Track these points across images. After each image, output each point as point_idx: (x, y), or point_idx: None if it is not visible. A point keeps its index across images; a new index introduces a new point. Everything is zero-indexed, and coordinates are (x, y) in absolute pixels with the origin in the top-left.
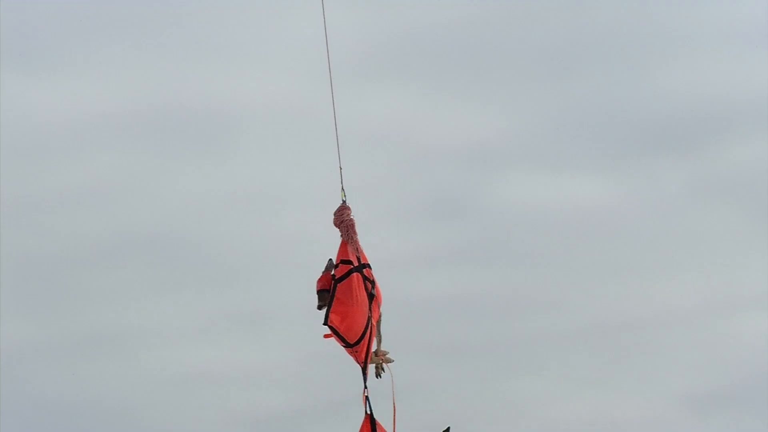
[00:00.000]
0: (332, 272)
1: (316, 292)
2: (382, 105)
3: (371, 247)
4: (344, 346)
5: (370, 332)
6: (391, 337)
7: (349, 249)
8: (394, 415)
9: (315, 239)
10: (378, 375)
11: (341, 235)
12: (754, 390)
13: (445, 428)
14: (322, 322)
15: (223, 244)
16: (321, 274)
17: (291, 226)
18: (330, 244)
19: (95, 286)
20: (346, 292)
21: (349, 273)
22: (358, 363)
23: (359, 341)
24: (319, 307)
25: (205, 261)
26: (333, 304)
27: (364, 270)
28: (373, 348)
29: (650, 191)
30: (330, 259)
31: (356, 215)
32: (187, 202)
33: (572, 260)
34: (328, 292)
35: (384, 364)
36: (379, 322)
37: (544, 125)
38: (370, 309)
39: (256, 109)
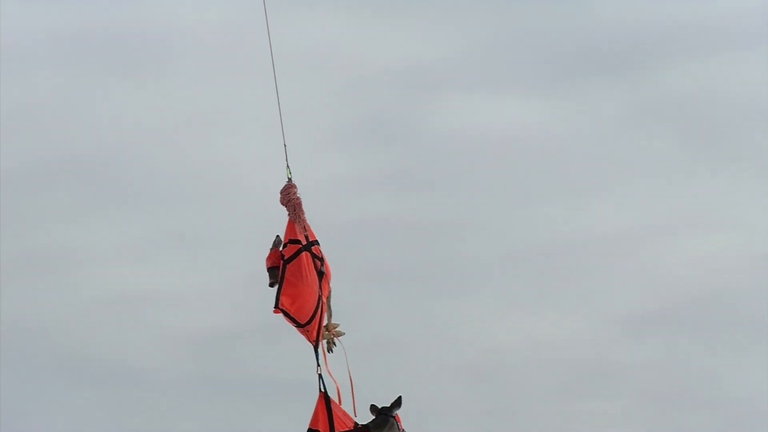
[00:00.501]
0: (280, 248)
1: (266, 269)
2: (318, 28)
3: (309, 169)
4: (295, 326)
5: (321, 310)
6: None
7: (297, 228)
8: (352, 388)
9: (251, 162)
10: (330, 350)
11: (288, 215)
12: (687, 311)
13: (396, 398)
14: (273, 306)
15: (161, 166)
16: (269, 251)
17: (228, 149)
18: (266, 169)
19: (30, 207)
20: (295, 273)
21: (298, 253)
22: (310, 342)
23: (310, 321)
24: (271, 285)
25: (141, 183)
26: (283, 286)
27: (312, 248)
28: (324, 323)
29: (586, 114)
30: (278, 236)
31: (294, 137)
32: (124, 123)
33: (508, 183)
34: (277, 269)
35: (335, 338)
36: (329, 297)
37: (483, 49)
38: (320, 287)
39: (192, 32)
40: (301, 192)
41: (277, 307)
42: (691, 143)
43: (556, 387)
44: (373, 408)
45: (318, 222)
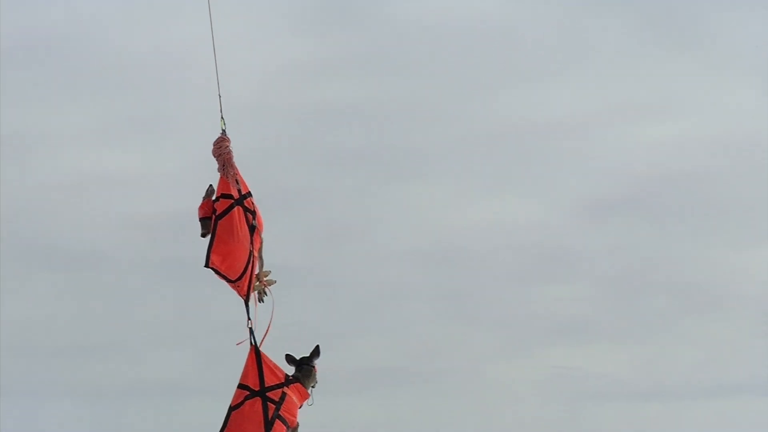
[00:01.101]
0: (213, 198)
1: (198, 219)
2: None
3: (266, 52)
4: (226, 282)
5: (252, 266)
6: (285, 144)
7: (230, 181)
8: (266, 332)
9: (211, 47)
10: (261, 300)
11: (218, 168)
12: (645, 196)
13: (314, 348)
14: (204, 264)
15: (122, 49)
16: (202, 201)
17: (191, 33)
18: (228, 54)
19: None
20: (227, 230)
21: (230, 208)
22: (241, 296)
23: (241, 276)
24: (203, 235)
25: (101, 66)
26: (214, 243)
27: (245, 201)
28: (256, 272)
29: (542, 1)
30: (210, 185)
31: (251, 18)
32: (84, 5)
33: (469, 69)
34: (209, 220)
35: (266, 287)
36: (260, 249)
37: None
38: (251, 242)
39: None
40: (265, 77)
41: (207, 266)
42: (648, 30)
43: (515, 271)
44: (290, 358)
45: (280, 106)
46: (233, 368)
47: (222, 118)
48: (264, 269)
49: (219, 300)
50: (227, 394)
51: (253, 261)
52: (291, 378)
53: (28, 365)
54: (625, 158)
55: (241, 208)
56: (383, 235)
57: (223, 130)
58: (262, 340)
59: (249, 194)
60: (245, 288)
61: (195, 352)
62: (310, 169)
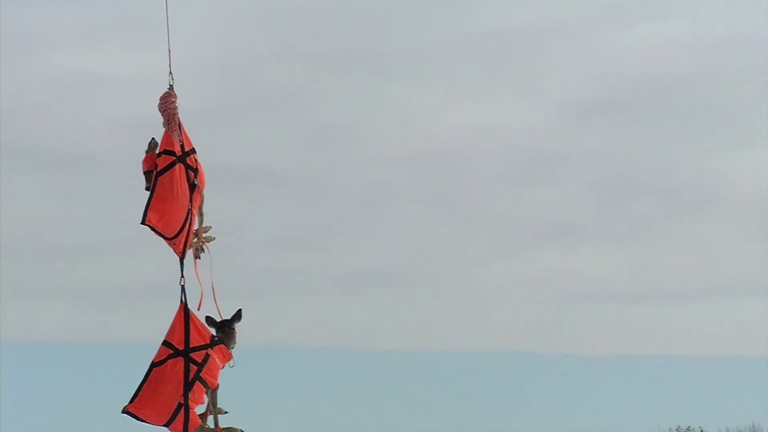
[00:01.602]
0: (156, 152)
1: (143, 173)
2: None
3: None
4: (163, 239)
5: (190, 224)
6: (272, 47)
7: (173, 137)
8: (214, 295)
9: None
10: (197, 256)
11: (162, 123)
12: (633, 99)
13: (236, 311)
14: (140, 221)
15: None
16: (145, 154)
17: None
18: None
19: None
20: (166, 187)
21: (171, 165)
22: (177, 253)
23: (177, 234)
24: (147, 188)
25: None
26: (153, 201)
27: (187, 158)
28: (194, 228)
29: None
30: (153, 138)
31: None
32: None
33: None
34: (152, 173)
35: (204, 244)
36: (201, 206)
37: None
38: (190, 200)
39: None
40: None
41: (144, 222)
42: None
43: (504, 174)
44: (210, 320)
45: (268, 8)
46: (219, 268)
47: (170, 73)
48: (204, 225)
49: (207, 202)
50: (217, 294)
51: (191, 219)
52: (216, 339)
53: (19, 267)
54: (614, 61)
55: (182, 165)
56: (372, 138)
57: (171, 86)
58: (200, 303)
59: (193, 151)
60: (181, 246)
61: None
62: (299, 72)
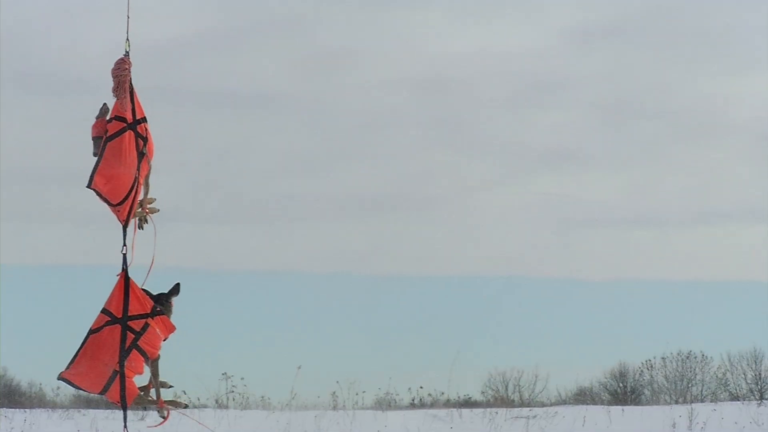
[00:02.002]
0: (107, 118)
1: (91, 138)
2: None
3: None
4: (108, 205)
5: (136, 192)
6: None
7: (122, 106)
8: (151, 267)
9: None
10: (140, 227)
11: (112, 89)
12: (636, 23)
13: (173, 285)
14: (86, 184)
15: None
16: (95, 120)
17: None
18: None
19: None
20: (115, 153)
21: (121, 131)
22: (120, 221)
23: (122, 201)
24: (95, 154)
25: None
26: (100, 165)
27: (138, 126)
28: (140, 197)
29: None
30: (105, 104)
31: None
32: None
33: None
34: (101, 139)
35: (148, 215)
36: (147, 176)
37: None
38: (138, 168)
39: None
40: None
41: (90, 186)
42: None
43: (506, 99)
44: (146, 293)
45: None
46: (225, 196)
47: (128, 40)
48: (149, 196)
49: (208, 128)
50: (218, 220)
51: (137, 187)
52: (158, 310)
53: (23, 190)
54: None
55: (132, 133)
56: (373, 62)
57: (127, 53)
58: (148, 274)
59: (144, 120)
60: (125, 214)
61: (187, 178)
62: None
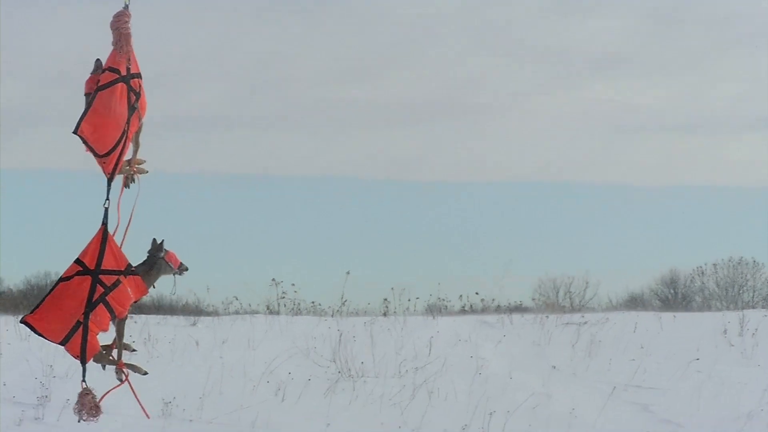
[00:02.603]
0: (99, 73)
1: (84, 94)
2: None
3: None
4: (93, 155)
5: (123, 145)
6: None
7: (120, 57)
8: (128, 227)
9: None
10: (127, 185)
11: (112, 42)
12: None
13: (156, 243)
14: (72, 130)
15: None
16: (89, 75)
17: None
18: None
19: None
20: (105, 103)
21: (113, 82)
22: (105, 174)
23: (108, 153)
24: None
25: None
26: (88, 113)
27: (131, 81)
28: (128, 157)
29: None
30: (98, 59)
31: None
32: None
33: None
34: None
35: (135, 174)
36: (138, 132)
37: None
38: (128, 122)
39: None
40: None
41: (76, 132)
42: None
43: (559, 2)
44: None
45: None
46: (274, 101)
47: None
48: (139, 157)
49: (252, 33)
50: (267, 126)
51: (125, 141)
52: (132, 269)
53: (66, 96)
54: None
55: (125, 86)
56: None
57: (126, 5)
58: (114, 232)
59: (138, 75)
60: (110, 167)
61: (236, 82)
62: None
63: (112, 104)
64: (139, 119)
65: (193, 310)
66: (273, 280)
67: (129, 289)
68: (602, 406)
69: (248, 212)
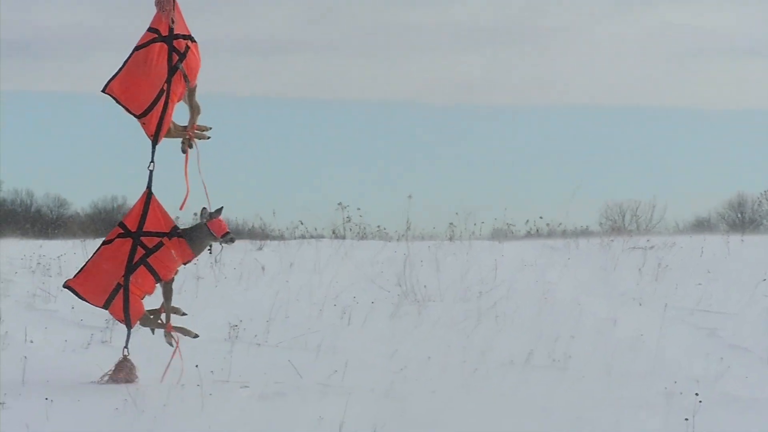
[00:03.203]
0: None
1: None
2: None
3: None
4: (131, 114)
5: (164, 106)
6: None
7: (162, 18)
8: (185, 197)
9: None
10: (183, 150)
11: (155, 2)
12: None
13: (218, 208)
14: (101, 88)
15: None
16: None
17: None
18: None
19: None
20: (139, 63)
21: (150, 42)
22: (148, 135)
23: (146, 113)
24: None
25: None
26: (121, 72)
27: (175, 41)
28: (172, 116)
29: None
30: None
31: None
32: None
33: None
34: None
35: (192, 140)
36: (192, 95)
37: None
38: (167, 82)
39: None
40: None
41: (104, 91)
42: None
43: None
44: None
45: None
46: (340, 25)
47: None
48: (202, 123)
49: None
50: (333, 50)
51: (168, 103)
52: (178, 231)
53: (137, 24)
54: None
55: (165, 46)
56: None
57: None
58: (183, 203)
59: (186, 37)
60: (152, 128)
61: (302, 5)
62: None
63: (146, 63)
64: (185, 81)
65: (259, 234)
66: (339, 204)
67: (174, 252)
68: (668, 330)
69: (313, 136)
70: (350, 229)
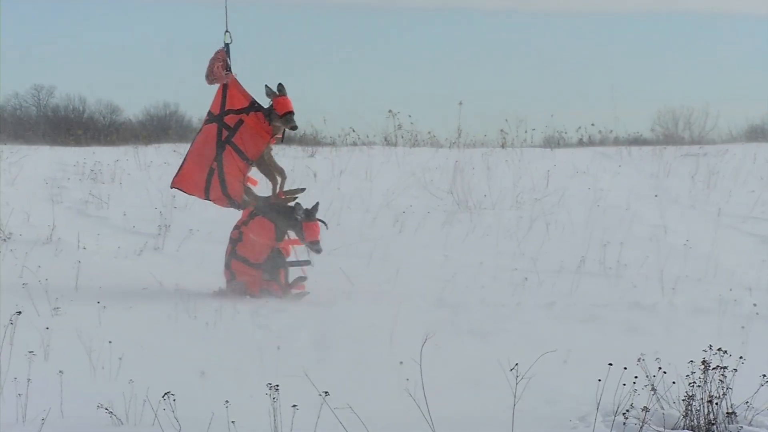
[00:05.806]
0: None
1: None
2: None
3: None
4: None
5: (220, 181)
6: None
7: (216, 98)
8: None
9: None
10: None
11: (205, 77)
12: None
13: (301, 189)
14: (170, 185)
15: None
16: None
17: None
18: None
19: None
20: (195, 150)
21: (205, 123)
22: (221, 205)
23: (207, 197)
24: (293, 128)
25: None
26: (183, 165)
27: (225, 117)
28: (276, 184)
29: None
30: (267, 86)
31: None
32: None
33: None
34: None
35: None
36: (265, 161)
37: None
38: (216, 159)
39: None
40: None
41: (172, 186)
42: None
43: None
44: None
45: None
46: None
47: (227, 31)
48: (292, 187)
49: None
50: None
51: (219, 176)
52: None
53: None
54: None
55: (215, 125)
56: None
57: (226, 44)
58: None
59: (238, 111)
60: (222, 203)
61: None
62: None
63: (198, 149)
64: (238, 152)
65: (311, 141)
66: (390, 111)
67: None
68: (720, 237)
69: (363, 45)
70: (401, 137)
